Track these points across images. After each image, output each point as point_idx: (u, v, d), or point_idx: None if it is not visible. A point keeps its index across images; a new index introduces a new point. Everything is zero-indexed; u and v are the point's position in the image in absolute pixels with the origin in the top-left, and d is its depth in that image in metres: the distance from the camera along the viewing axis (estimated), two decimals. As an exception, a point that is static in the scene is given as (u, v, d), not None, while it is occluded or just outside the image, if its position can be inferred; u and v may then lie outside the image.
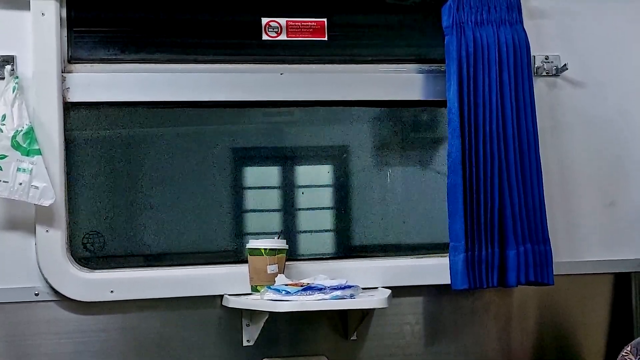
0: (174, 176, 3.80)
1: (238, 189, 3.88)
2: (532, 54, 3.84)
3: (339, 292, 3.44)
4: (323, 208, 3.97)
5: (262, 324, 3.59)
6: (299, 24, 3.84)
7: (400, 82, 3.88)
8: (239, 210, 3.88)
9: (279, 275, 3.56)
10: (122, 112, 3.73)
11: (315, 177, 3.97)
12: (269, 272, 3.56)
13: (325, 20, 3.87)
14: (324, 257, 3.88)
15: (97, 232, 3.69)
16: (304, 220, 3.93)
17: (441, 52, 3.78)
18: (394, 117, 3.97)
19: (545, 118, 3.90)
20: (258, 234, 3.84)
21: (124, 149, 3.75)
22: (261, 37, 3.82)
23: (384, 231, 3.96)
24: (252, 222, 3.91)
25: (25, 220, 3.53)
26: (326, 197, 3.97)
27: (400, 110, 3.96)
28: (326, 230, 3.97)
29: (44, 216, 3.52)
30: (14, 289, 3.53)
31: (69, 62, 3.64)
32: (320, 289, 3.45)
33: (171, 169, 3.79)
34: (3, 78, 3.49)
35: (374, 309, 3.69)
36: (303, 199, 3.91)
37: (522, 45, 3.78)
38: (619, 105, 4.02)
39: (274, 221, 3.92)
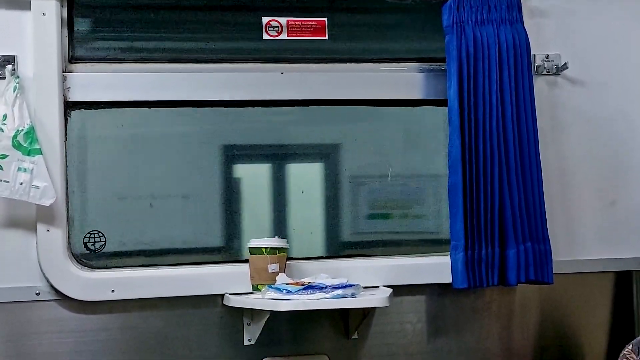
0: (175, 175, 3.80)
1: (237, 187, 3.88)
2: (532, 52, 3.84)
3: (340, 291, 3.44)
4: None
5: (263, 323, 3.59)
6: (300, 23, 3.84)
7: (401, 81, 3.88)
8: (238, 209, 3.88)
9: (280, 274, 3.56)
10: (122, 111, 3.73)
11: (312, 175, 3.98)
12: (270, 271, 3.57)
13: (325, 19, 3.87)
14: (325, 256, 3.87)
15: (97, 231, 3.69)
16: (304, 220, 3.92)
17: (442, 51, 3.79)
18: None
19: (545, 117, 3.90)
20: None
21: (124, 148, 3.75)
22: (262, 36, 3.82)
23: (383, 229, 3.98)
24: (251, 220, 3.90)
25: (26, 219, 3.53)
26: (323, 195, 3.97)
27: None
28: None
29: (44, 216, 3.52)
30: (15, 289, 3.53)
31: (70, 61, 3.64)
32: (321, 288, 3.45)
33: (172, 168, 3.80)
34: (4, 78, 3.50)
35: (375, 308, 3.70)
36: (303, 197, 3.91)
37: (522, 44, 3.78)
38: (620, 104, 4.02)
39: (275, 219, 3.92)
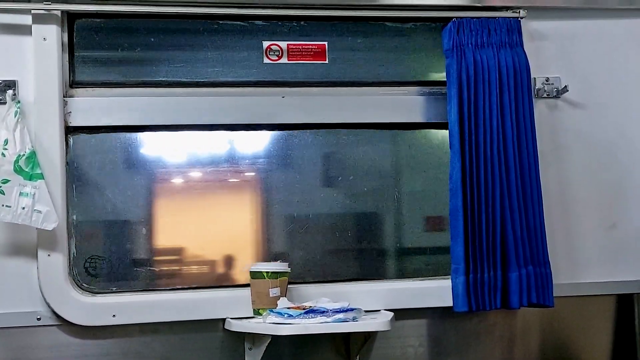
0: (175, 198, 3.80)
1: (240, 211, 3.87)
2: (532, 76, 3.85)
3: (341, 315, 3.43)
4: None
5: (264, 348, 3.57)
6: (300, 47, 3.85)
7: (401, 104, 3.89)
8: (242, 233, 3.88)
9: (281, 298, 3.56)
10: (123, 135, 3.73)
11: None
12: (271, 295, 3.56)
13: (326, 43, 3.88)
14: (326, 280, 3.86)
15: (98, 256, 3.69)
16: (306, 243, 3.91)
17: (442, 75, 3.80)
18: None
19: (545, 140, 3.90)
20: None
21: (125, 173, 3.75)
22: (262, 60, 3.83)
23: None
24: (255, 244, 3.90)
25: (27, 244, 3.53)
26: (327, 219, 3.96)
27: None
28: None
29: (45, 240, 3.52)
30: (16, 314, 3.52)
31: (71, 86, 3.65)
32: (323, 312, 3.44)
33: (172, 191, 3.80)
34: (5, 103, 3.50)
35: (376, 332, 3.68)
36: (305, 222, 3.90)
37: (522, 68, 3.79)
38: (620, 127, 4.03)
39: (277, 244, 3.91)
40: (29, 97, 3.55)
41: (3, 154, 3.42)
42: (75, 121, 3.63)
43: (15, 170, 3.43)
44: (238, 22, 3.83)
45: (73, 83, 3.67)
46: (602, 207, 4.00)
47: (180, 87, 3.76)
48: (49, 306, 3.53)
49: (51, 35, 3.57)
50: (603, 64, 4.02)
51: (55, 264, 3.53)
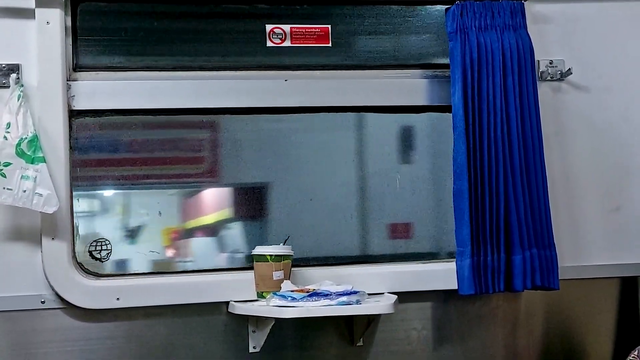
0: (178, 182, 3.81)
1: (244, 194, 3.88)
2: (536, 58, 3.84)
3: (344, 298, 3.44)
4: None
5: (268, 331, 3.59)
6: (303, 30, 3.85)
7: (405, 87, 3.88)
8: (246, 217, 3.88)
9: (284, 281, 3.56)
10: (127, 119, 3.73)
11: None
12: (274, 278, 3.57)
13: (329, 26, 3.87)
14: (330, 263, 3.86)
15: (102, 239, 3.69)
16: (311, 226, 3.92)
17: (445, 58, 3.79)
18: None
19: (549, 122, 3.90)
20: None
21: (128, 156, 3.76)
22: (266, 43, 3.82)
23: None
24: (259, 228, 3.91)
25: (31, 228, 3.53)
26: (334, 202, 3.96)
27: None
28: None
29: (49, 224, 3.52)
30: (20, 297, 3.53)
31: (74, 70, 3.65)
32: (326, 295, 3.45)
33: (176, 175, 3.80)
34: (8, 86, 3.50)
35: (380, 315, 3.69)
36: (310, 204, 3.91)
37: (526, 50, 3.78)
38: (624, 110, 4.02)
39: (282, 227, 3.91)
40: (33, 81, 3.55)
41: (5, 137, 3.42)
42: (79, 105, 3.63)
43: (17, 154, 3.43)
44: (241, 5, 3.83)
45: (76, 67, 3.66)
46: (606, 189, 4.00)
47: (183, 71, 3.76)
48: (53, 289, 3.54)
49: (54, 19, 3.56)
50: (607, 47, 4.01)
51: (59, 247, 3.54)
